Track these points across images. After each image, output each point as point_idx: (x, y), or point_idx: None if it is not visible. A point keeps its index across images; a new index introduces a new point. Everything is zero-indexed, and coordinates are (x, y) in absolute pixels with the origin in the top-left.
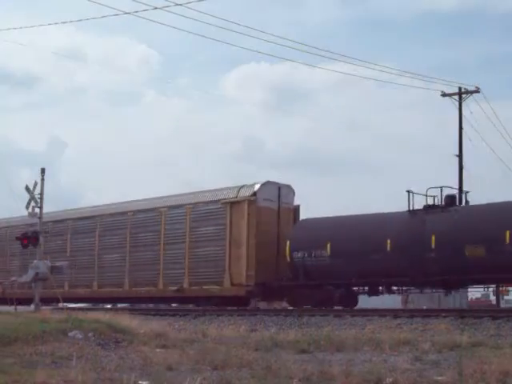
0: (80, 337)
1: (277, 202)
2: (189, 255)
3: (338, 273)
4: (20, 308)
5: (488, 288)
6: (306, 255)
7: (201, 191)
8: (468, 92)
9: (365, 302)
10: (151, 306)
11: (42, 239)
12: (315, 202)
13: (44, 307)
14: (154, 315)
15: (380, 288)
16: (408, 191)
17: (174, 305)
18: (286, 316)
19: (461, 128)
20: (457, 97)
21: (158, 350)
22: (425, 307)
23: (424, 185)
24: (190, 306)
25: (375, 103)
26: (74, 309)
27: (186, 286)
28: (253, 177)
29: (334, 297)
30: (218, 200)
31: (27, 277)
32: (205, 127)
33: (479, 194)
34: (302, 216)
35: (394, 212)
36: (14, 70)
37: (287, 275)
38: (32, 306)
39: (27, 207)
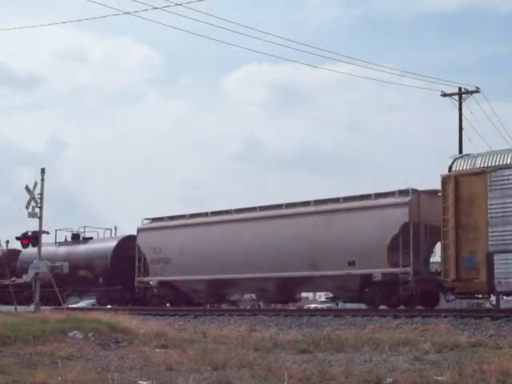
0: (80, 337)
1: None
2: None
3: None
4: (20, 308)
5: None
6: None
7: None
8: (468, 92)
9: None
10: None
11: None
12: None
13: (44, 307)
14: (154, 315)
15: None
16: None
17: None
18: (286, 316)
19: (461, 128)
20: (457, 97)
21: (157, 350)
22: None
23: (424, 185)
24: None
25: (376, 103)
26: (74, 309)
27: None
28: (253, 177)
29: None
30: None
31: (27, 277)
32: (206, 127)
33: None
34: None
35: None
36: (15, 71)
37: None
38: (32, 306)
39: (27, 207)
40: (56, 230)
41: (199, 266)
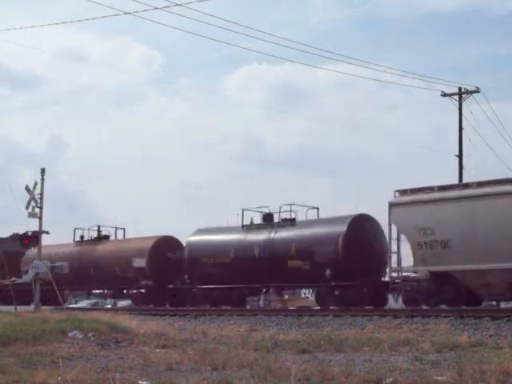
0: (80, 337)
1: None
2: None
3: None
4: (20, 308)
5: None
6: None
7: None
8: (468, 92)
9: None
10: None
11: None
12: (315, 203)
13: (44, 307)
14: (154, 315)
15: None
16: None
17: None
18: (286, 316)
19: (461, 128)
20: (457, 97)
21: (157, 350)
22: (425, 307)
23: (424, 184)
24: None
25: (376, 103)
26: (73, 309)
27: None
28: (253, 177)
29: None
30: None
31: (27, 277)
32: (205, 127)
33: None
34: None
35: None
36: (15, 71)
37: None
38: (32, 306)
39: (27, 207)
40: (243, 210)
41: (498, 251)
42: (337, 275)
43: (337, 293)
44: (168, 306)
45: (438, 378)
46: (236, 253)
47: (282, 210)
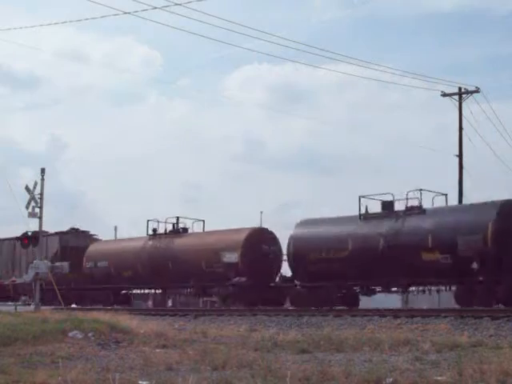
0: (80, 337)
1: None
2: None
3: None
4: (20, 308)
5: None
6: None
7: None
8: (468, 92)
9: (365, 302)
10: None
11: None
12: (316, 203)
13: (44, 307)
14: (153, 315)
15: None
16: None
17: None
18: (286, 316)
19: (461, 128)
20: (457, 97)
21: (157, 350)
22: (425, 307)
23: (424, 185)
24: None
25: (376, 104)
26: (74, 309)
27: None
28: (254, 178)
29: None
30: None
31: (27, 277)
32: (206, 128)
33: (479, 194)
34: None
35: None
36: (15, 71)
37: None
38: (32, 306)
39: (27, 207)
40: (360, 197)
41: None
42: (485, 269)
43: (485, 289)
44: (261, 306)
45: (438, 377)
46: (354, 246)
47: (408, 196)
